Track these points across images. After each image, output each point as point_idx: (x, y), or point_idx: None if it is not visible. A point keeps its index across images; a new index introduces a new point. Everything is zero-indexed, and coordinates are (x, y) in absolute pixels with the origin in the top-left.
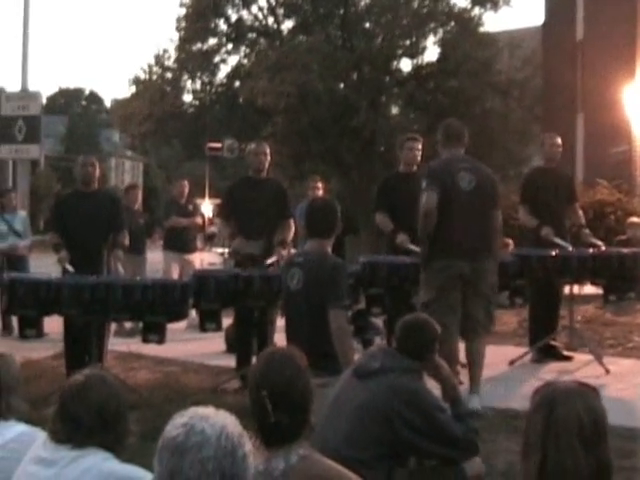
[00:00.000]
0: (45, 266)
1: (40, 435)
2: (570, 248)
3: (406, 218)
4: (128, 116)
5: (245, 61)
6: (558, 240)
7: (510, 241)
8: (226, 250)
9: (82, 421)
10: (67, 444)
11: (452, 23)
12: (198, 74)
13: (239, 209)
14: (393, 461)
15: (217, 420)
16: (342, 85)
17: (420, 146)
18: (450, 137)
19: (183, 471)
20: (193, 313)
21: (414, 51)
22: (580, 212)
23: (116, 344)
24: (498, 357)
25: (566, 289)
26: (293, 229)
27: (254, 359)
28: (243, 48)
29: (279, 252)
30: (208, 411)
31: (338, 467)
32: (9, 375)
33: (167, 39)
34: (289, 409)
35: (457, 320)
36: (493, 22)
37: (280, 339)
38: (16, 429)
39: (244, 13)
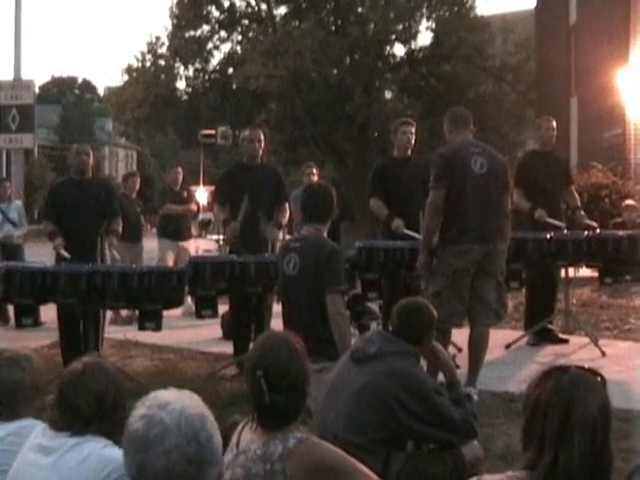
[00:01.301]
0: (40, 255)
1: (39, 426)
2: (565, 230)
3: (401, 203)
4: (122, 103)
5: (238, 48)
6: (552, 220)
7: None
8: (221, 237)
9: (81, 409)
10: (66, 432)
11: (445, 7)
12: (191, 61)
13: (234, 195)
14: (391, 445)
15: (175, 406)
16: (335, 71)
17: (414, 130)
18: (458, 122)
19: (149, 464)
20: (189, 300)
21: (407, 36)
22: (576, 194)
23: (113, 332)
24: (494, 341)
25: (562, 272)
26: (288, 212)
27: (251, 345)
28: (236, 35)
29: (274, 231)
30: (167, 396)
31: (336, 450)
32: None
33: (160, 26)
34: (284, 390)
35: (464, 310)
36: (485, 6)
37: (277, 325)
38: (16, 422)
39: (237, 0)
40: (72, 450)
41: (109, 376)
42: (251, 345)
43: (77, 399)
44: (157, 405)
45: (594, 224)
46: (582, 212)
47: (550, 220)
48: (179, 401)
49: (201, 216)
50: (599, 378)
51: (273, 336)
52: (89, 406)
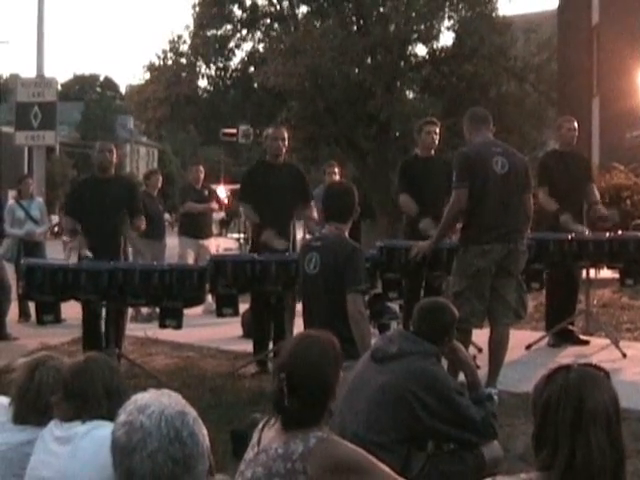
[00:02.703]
0: (61, 252)
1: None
2: (587, 232)
3: (427, 201)
4: (143, 102)
5: (260, 47)
6: (577, 226)
7: None
8: (242, 235)
9: (89, 394)
10: (77, 420)
11: (467, 7)
12: (213, 60)
13: (257, 193)
14: (411, 444)
15: (154, 408)
16: (357, 70)
17: (437, 130)
18: (478, 122)
19: (136, 469)
20: (209, 298)
21: (429, 36)
22: (596, 191)
23: (133, 330)
24: (515, 341)
25: (583, 273)
26: (315, 210)
27: (270, 344)
28: (258, 34)
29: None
30: (147, 399)
31: (357, 449)
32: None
33: (182, 25)
34: (305, 396)
35: (485, 310)
36: (508, 6)
37: (299, 324)
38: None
39: None
40: (87, 437)
41: (110, 366)
42: (270, 344)
43: (84, 385)
44: (137, 409)
45: (607, 213)
46: (599, 206)
47: (575, 226)
48: (158, 402)
49: (221, 215)
50: (603, 372)
51: (307, 338)
52: (96, 389)
